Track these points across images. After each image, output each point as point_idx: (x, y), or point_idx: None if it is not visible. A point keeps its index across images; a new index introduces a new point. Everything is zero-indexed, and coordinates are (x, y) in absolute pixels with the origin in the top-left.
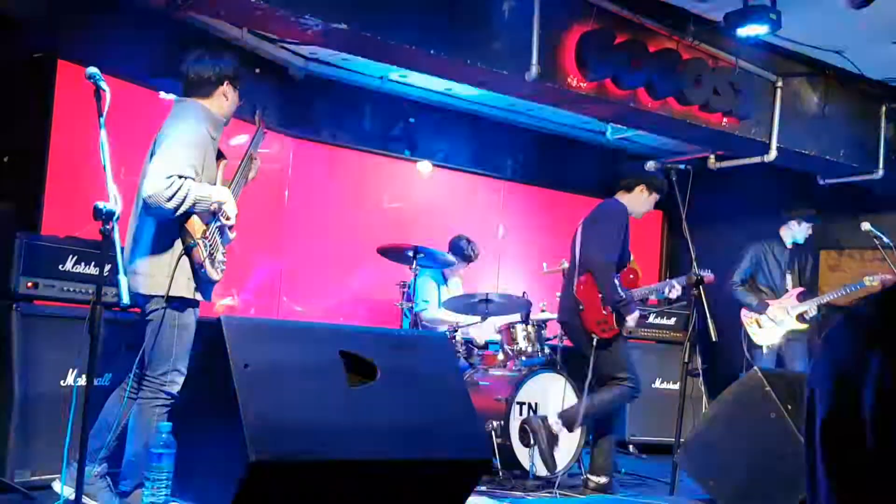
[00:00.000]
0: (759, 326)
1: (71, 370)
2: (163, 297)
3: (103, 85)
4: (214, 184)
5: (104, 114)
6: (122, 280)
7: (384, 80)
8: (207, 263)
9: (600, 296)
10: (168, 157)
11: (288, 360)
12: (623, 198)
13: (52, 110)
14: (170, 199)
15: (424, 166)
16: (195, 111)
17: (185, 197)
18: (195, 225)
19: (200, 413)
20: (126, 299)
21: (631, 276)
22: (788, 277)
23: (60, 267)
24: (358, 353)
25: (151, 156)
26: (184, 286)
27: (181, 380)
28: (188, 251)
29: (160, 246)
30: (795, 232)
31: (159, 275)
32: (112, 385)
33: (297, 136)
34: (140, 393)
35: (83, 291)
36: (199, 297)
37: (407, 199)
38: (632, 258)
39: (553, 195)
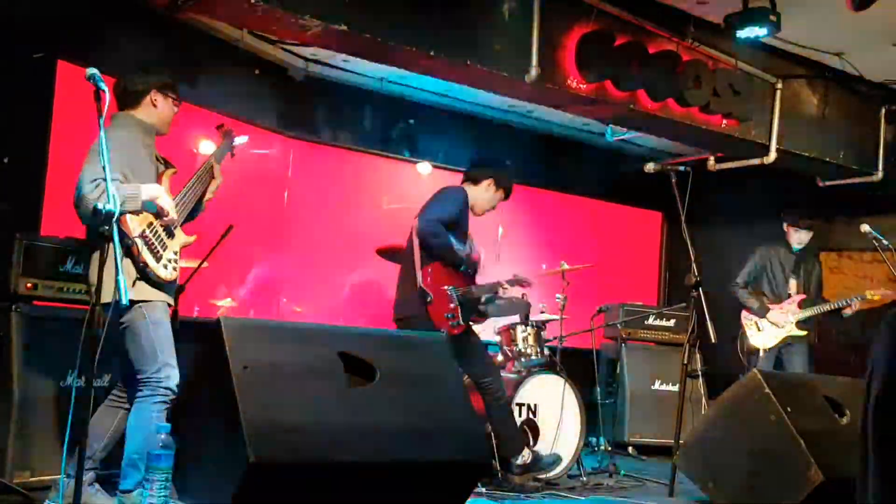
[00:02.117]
0: (759, 329)
1: (70, 371)
2: (111, 304)
3: (103, 86)
4: None
5: (104, 114)
6: (122, 281)
7: (384, 81)
8: (150, 261)
9: (445, 288)
10: (92, 163)
11: (287, 361)
12: (469, 189)
13: (51, 111)
14: (97, 199)
15: (424, 167)
16: (124, 121)
17: (112, 197)
18: (130, 224)
19: (199, 414)
20: (125, 300)
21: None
22: (792, 282)
23: (60, 268)
24: (357, 354)
25: None
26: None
27: (175, 373)
28: (126, 251)
29: (100, 253)
30: (791, 237)
31: (109, 282)
32: (111, 387)
33: (296, 137)
34: (139, 393)
35: (82, 292)
36: (143, 295)
37: (407, 200)
38: (483, 255)
39: (552, 196)
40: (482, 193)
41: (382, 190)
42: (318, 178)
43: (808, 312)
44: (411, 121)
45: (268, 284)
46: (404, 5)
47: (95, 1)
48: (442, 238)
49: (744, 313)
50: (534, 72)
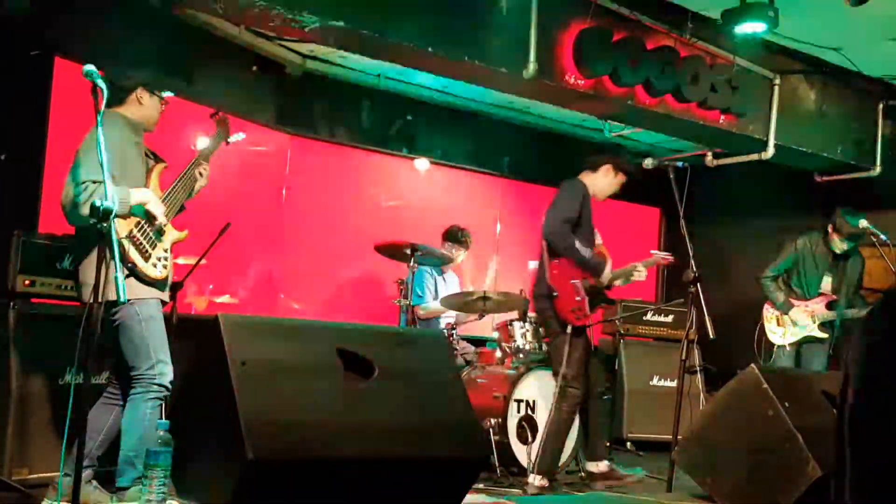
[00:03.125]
0: (778, 325)
1: (68, 368)
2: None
3: (101, 82)
4: (144, 187)
5: (101, 111)
6: (120, 278)
7: (382, 77)
8: (138, 261)
9: (572, 282)
10: (81, 164)
11: (286, 357)
12: (587, 177)
13: (49, 108)
14: (84, 203)
15: (422, 163)
16: (110, 119)
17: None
18: (117, 226)
19: (198, 411)
20: (123, 298)
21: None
22: (826, 280)
23: (57, 265)
24: (355, 351)
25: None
26: (111, 288)
27: (169, 370)
28: None
29: (89, 253)
30: (835, 243)
31: (93, 282)
32: (109, 382)
33: (294, 133)
34: (133, 390)
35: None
36: (140, 294)
37: (405, 196)
38: (599, 241)
39: (551, 192)
40: (601, 179)
41: (381, 186)
42: (316, 174)
43: (835, 316)
44: (409, 117)
45: (266, 281)
46: (402, 2)
47: None
48: (567, 240)
49: (766, 306)
50: (532, 67)
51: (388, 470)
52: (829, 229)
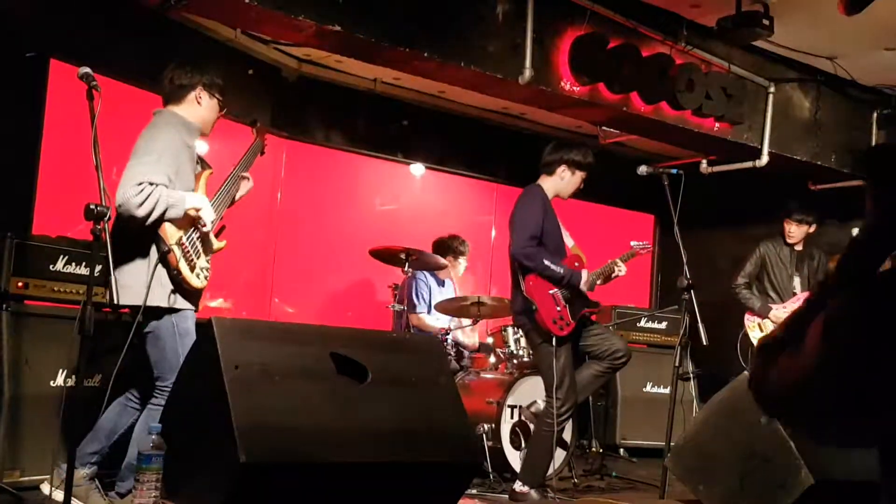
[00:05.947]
0: (761, 330)
1: (61, 371)
2: (139, 308)
3: (96, 85)
4: (192, 192)
5: (96, 113)
6: (113, 281)
7: (377, 81)
8: (185, 269)
9: (551, 293)
10: (138, 164)
11: (279, 361)
12: (545, 182)
13: (44, 110)
14: (140, 205)
15: (417, 169)
16: (168, 118)
17: (156, 203)
18: (168, 231)
19: (191, 414)
20: (116, 300)
21: (576, 263)
22: (796, 280)
23: (51, 267)
24: (349, 355)
25: None
26: (158, 295)
27: None
28: (163, 258)
29: (134, 255)
30: (785, 233)
31: (135, 285)
32: (102, 386)
33: (289, 137)
34: (153, 400)
35: (74, 292)
36: (178, 304)
37: (399, 201)
38: (571, 242)
39: None
40: (559, 182)
41: (375, 191)
42: (311, 178)
43: None
44: (404, 122)
45: (260, 285)
46: (398, 7)
47: None
48: (535, 259)
49: (747, 315)
50: (527, 74)
51: (380, 475)
52: (784, 224)
